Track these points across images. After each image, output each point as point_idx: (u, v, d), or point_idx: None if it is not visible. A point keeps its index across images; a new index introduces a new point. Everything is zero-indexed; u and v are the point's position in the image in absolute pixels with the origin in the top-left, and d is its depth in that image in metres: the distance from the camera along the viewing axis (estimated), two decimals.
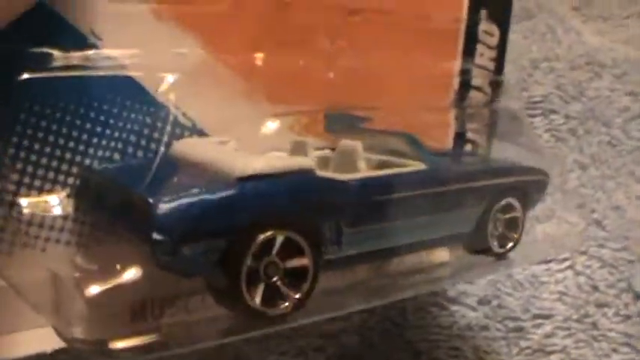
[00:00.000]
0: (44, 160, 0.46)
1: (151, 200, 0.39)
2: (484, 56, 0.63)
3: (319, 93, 0.55)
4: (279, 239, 0.42)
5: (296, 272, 0.43)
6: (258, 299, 0.42)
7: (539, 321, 0.71)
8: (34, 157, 0.46)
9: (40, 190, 0.46)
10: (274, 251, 0.42)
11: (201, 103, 0.50)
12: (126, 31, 0.47)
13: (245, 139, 0.49)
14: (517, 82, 0.81)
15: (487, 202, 0.54)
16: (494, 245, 0.54)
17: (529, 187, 0.57)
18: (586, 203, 0.77)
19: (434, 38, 0.60)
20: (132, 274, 0.41)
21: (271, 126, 0.52)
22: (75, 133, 0.47)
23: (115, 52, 0.48)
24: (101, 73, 0.47)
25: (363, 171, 0.49)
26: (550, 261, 0.74)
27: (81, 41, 0.46)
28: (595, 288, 0.73)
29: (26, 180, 0.46)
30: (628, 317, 0.72)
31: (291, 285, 0.43)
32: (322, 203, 0.45)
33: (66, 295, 0.41)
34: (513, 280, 0.72)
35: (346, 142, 0.50)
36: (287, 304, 0.43)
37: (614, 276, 0.74)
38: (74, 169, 0.47)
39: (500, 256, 0.55)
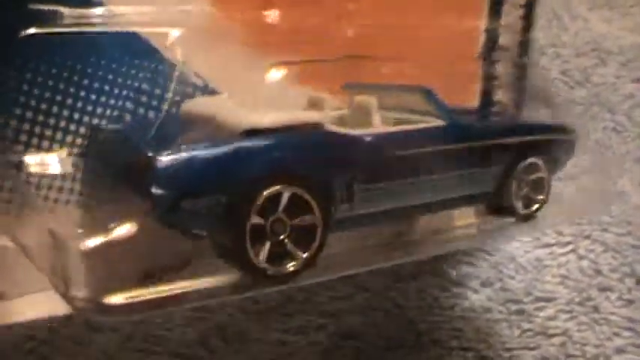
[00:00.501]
0: (52, 121, 0.46)
1: (150, 154, 0.39)
2: (511, 15, 0.61)
3: (337, 51, 0.53)
4: (286, 195, 0.41)
5: (304, 231, 0.42)
6: (263, 257, 0.41)
7: (542, 304, 0.70)
8: (41, 118, 0.46)
9: (48, 152, 0.46)
10: (281, 208, 0.41)
11: (211, 61, 0.49)
12: None
13: (257, 97, 0.48)
14: None
15: (509, 161, 0.51)
16: (519, 206, 0.52)
17: (555, 146, 0.54)
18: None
19: None
20: (131, 229, 0.40)
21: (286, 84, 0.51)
22: (83, 93, 0.46)
23: (121, 9, 0.47)
24: (109, 30, 0.46)
25: (378, 126, 0.47)
26: (553, 244, 0.73)
27: None
28: (598, 272, 0.72)
29: (34, 141, 0.46)
30: (630, 302, 0.72)
31: (298, 244, 0.42)
32: (332, 159, 0.43)
33: (64, 252, 0.40)
34: (516, 263, 0.72)
35: (361, 98, 0.49)
36: (294, 263, 0.42)
37: (618, 260, 0.73)
38: (82, 130, 0.46)
39: (525, 218, 0.53)
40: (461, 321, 0.69)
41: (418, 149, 0.47)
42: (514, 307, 0.70)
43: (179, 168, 0.39)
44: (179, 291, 0.41)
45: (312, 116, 0.44)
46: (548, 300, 0.70)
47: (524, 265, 0.72)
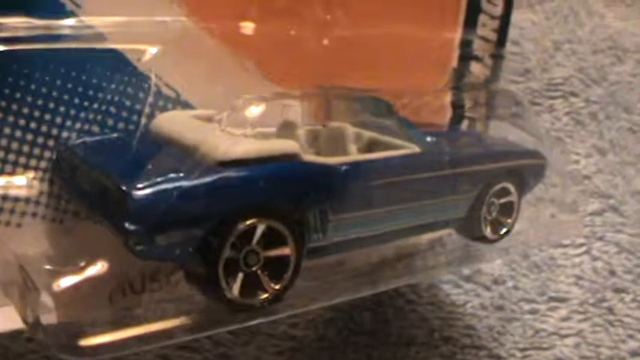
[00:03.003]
0: (19, 134, 0.42)
1: (124, 188, 0.37)
2: (487, 27, 0.60)
3: (312, 61, 0.52)
4: (261, 228, 0.40)
5: (277, 261, 0.41)
6: (236, 290, 0.40)
7: (555, 304, 0.69)
8: (7, 131, 0.42)
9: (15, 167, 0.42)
10: (255, 240, 0.40)
11: (185, 73, 0.47)
12: None
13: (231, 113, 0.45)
14: (538, 62, 0.80)
15: (482, 187, 0.51)
16: (487, 231, 0.53)
17: (526, 171, 0.55)
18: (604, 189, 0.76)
19: (434, 7, 0.57)
20: (105, 265, 0.39)
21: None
22: (52, 105, 0.43)
23: (94, 21, 0.43)
24: (81, 44, 0.43)
25: (353, 154, 0.46)
26: (567, 245, 0.72)
27: (58, 8, 0.43)
28: (612, 273, 0.71)
29: None
30: None
31: (271, 275, 0.41)
32: (308, 190, 0.42)
33: (34, 284, 0.38)
34: (529, 261, 0.71)
35: (335, 124, 0.48)
36: (266, 295, 0.41)
37: (632, 262, 0.72)
38: (52, 144, 0.43)
39: (493, 242, 0.53)
40: (473, 319, 0.68)
41: (394, 178, 0.46)
42: (527, 307, 0.69)
43: (153, 203, 0.37)
44: (147, 331, 0.40)
45: (288, 146, 0.42)
46: (562, 300, 0.69)
47: (537, 264, 0.71)
